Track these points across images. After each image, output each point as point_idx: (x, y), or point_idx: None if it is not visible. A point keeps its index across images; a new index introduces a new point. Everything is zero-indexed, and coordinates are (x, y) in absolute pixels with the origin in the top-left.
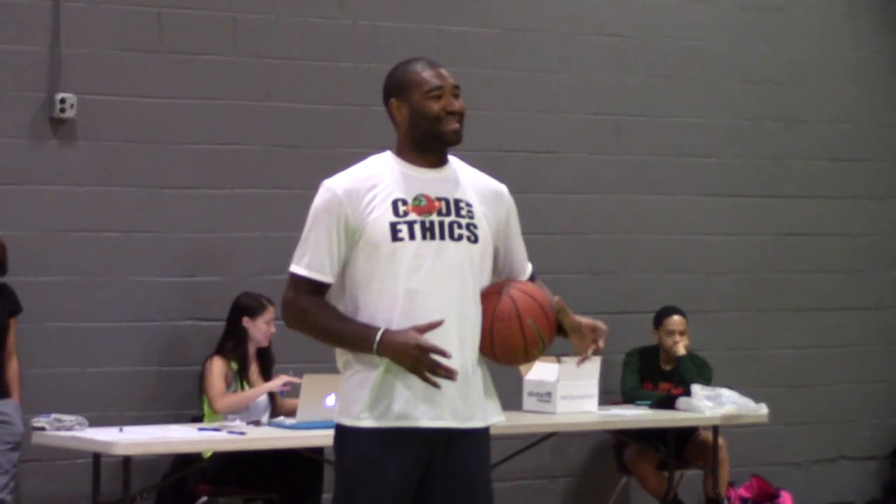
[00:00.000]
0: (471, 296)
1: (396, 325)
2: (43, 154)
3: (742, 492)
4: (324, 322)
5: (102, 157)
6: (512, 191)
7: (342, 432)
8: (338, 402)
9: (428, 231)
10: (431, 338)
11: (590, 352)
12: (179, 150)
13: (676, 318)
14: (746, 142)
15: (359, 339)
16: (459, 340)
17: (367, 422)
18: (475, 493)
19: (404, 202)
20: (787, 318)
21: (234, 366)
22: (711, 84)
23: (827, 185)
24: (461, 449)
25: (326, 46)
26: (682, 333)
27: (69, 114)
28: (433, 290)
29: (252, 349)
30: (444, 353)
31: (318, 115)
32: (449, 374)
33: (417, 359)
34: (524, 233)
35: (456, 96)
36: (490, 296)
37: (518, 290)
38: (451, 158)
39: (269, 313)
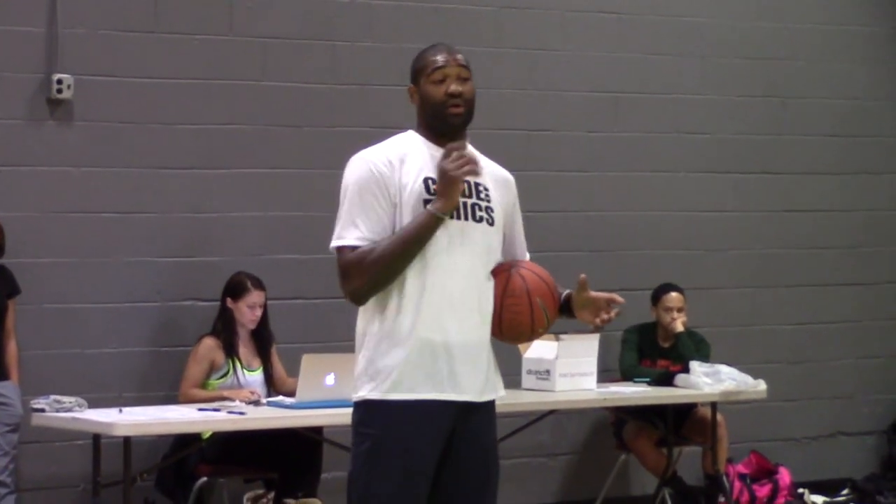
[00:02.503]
0: (486, 275)
1: (427, 298)
2: (40, 135)
3: (741, 468)
4: (382, 250)
5: (99, 138)
6: (510, 169)
7: (369, 406)
8: (361, 379)
9: (455, 210)
10: (455, 310)
11: (598, 320)
12: (176, 131)
13: (674, 294)
14: (744, 118)
15: (421, 227)
16: (480, 317)
17: (395, 395)
18: (486, 464)
19: (433, 181)
20: (786, 295)
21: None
22: (709, 60)
23: (825, 161)
24: (476, 421)
25: (323, 25)
26: (679, 310)
27: (66, 94)
28: (458, 266)
29: (242, 329)
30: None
31: (314, 94)
32: (473, 168)
33: (455, 177)
34: (522, 210)
35: (464, 80)
36: (500, 274)
37: (527, 270)
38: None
39: (253, 297)
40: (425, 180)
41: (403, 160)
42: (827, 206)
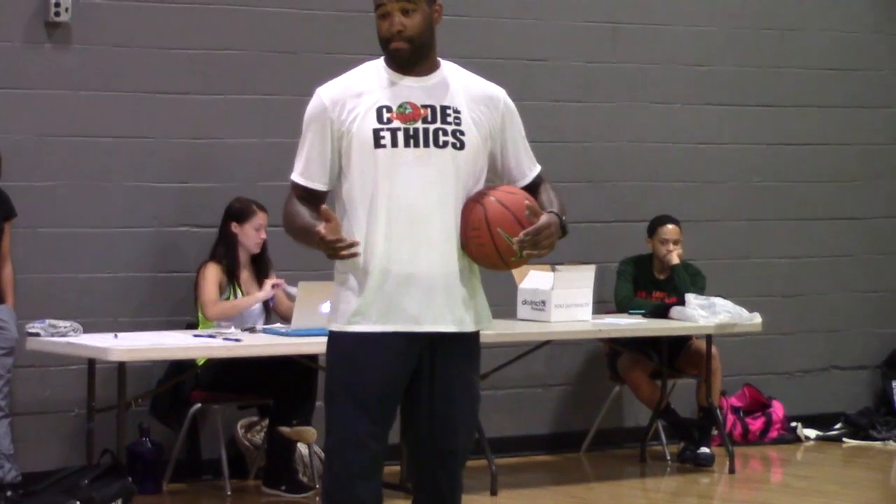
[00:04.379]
0: (456, 202)
1: (382, 230)
2: (38, 58)
3: (734, 401)
4: (292, 222)
5: (97, 62)
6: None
7: (331, 337)
8: (330, 310)
9: (412, 138)
10: (415, 240)
11: (515, 244)
12: (174, 55)
13: (670, 226)
14: (742, 50)
15: (307, 236)
16: (446, 246)
17: (354, 326)
18: (457, 396)
19: (389, 109)
20: (781, 228)
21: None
22: None
23: (821, 94)
24: (447, 352)
25: None
26: (675, 242)
27: (64, 17)
28: (416, 195)
29: (243, 255)
30: (343, 240)
31: (313, 19)
32: (352, 252)
33: (324, 250)
34: None
35: (410, 11)
36: (468, 203)
37: (491, 199)
38: (446, 64)
39: (259, 219)
40: (378, 109)
41: (359, 92)
42: (823, 139)
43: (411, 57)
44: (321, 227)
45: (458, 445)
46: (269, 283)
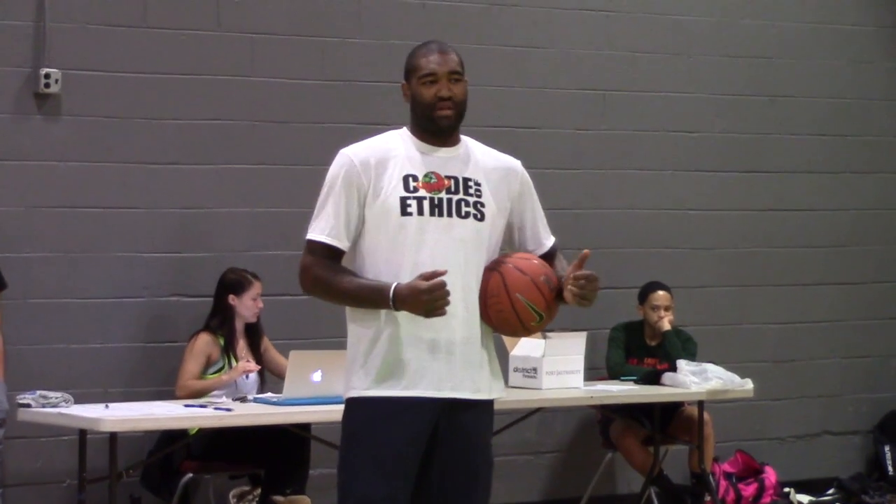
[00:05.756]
0: (476, 271)
1: None
2: (27, 129)
3: (727, 467)
4: (339, 284)
5: (87, 133)
6: None
7: (348, 404)
8: (345, 377)
9: (436, 207)
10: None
11: (572, 294)
12: (164, 126)
13: (661, 293)
14: (731, 116)
15: (374, 297)
16: (466, 314)
17: (372, 391)
18: (474, 461)
19: (415, 178)
20: (772, 294)
21: (222, 341)
22: (696, 58)
23: (811, 159)
24: (464, 418)
25: (311, 21)
26: (666, 309)
27: (54, 89)
28: (438, 264)
29: (239, 325)
30: (441, 273)
31: (302, 89)
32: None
33: (428, 303)
34: None
35: (456, 80)
36: (486, 271)
37: (509, 266)
38: (465, 138)
39: (256, 289)
40: (405, 178)
41: (386, 158)
42: (813, 205)
43: (454, 124)
44: (422, 285)
45: None
46: (241, 365)
